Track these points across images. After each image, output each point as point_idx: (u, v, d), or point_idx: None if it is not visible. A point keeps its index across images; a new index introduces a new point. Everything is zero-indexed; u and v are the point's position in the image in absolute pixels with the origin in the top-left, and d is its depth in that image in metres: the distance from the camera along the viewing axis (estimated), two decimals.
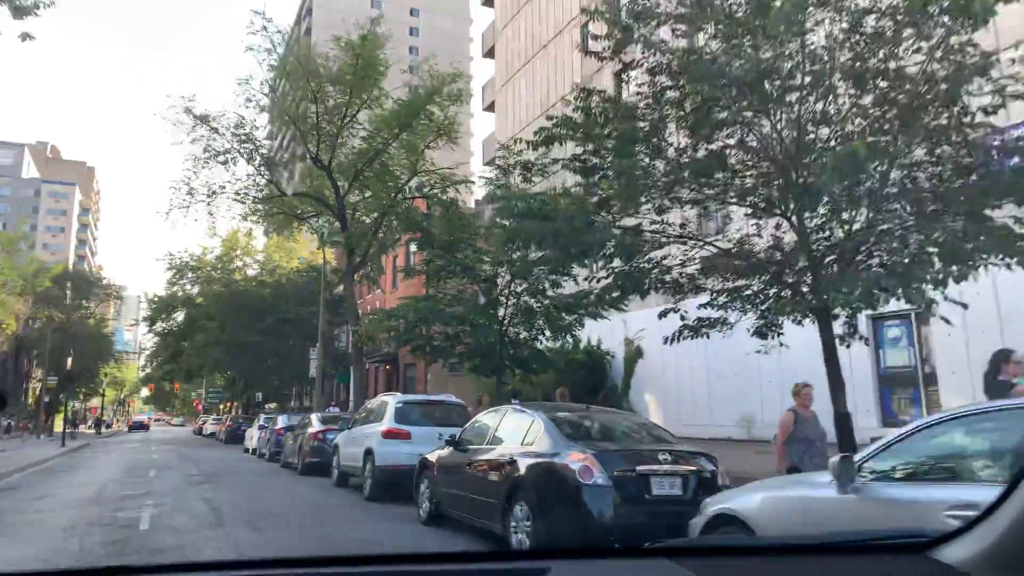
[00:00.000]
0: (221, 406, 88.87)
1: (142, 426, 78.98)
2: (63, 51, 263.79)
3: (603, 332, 22.69)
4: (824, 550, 1.69)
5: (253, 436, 26.37)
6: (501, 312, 17.54)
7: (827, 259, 8.81)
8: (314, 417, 18.61)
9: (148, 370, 55.89)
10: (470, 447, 8.30)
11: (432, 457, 9.21)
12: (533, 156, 16.43)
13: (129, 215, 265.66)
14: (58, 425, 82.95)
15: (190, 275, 47.78)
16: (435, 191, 24.85)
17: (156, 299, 46.65)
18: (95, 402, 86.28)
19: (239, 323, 39.36)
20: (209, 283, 45.90)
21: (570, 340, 19.36)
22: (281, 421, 22.48)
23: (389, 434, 11.60)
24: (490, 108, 34.65)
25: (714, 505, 4.73)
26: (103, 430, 76.72)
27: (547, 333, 17.68)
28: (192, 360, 45.66)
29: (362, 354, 25.77)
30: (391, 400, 12.47)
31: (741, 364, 18.43)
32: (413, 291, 22.11)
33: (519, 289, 17.50)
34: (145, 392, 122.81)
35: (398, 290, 30.69)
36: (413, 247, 28.86)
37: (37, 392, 69.11)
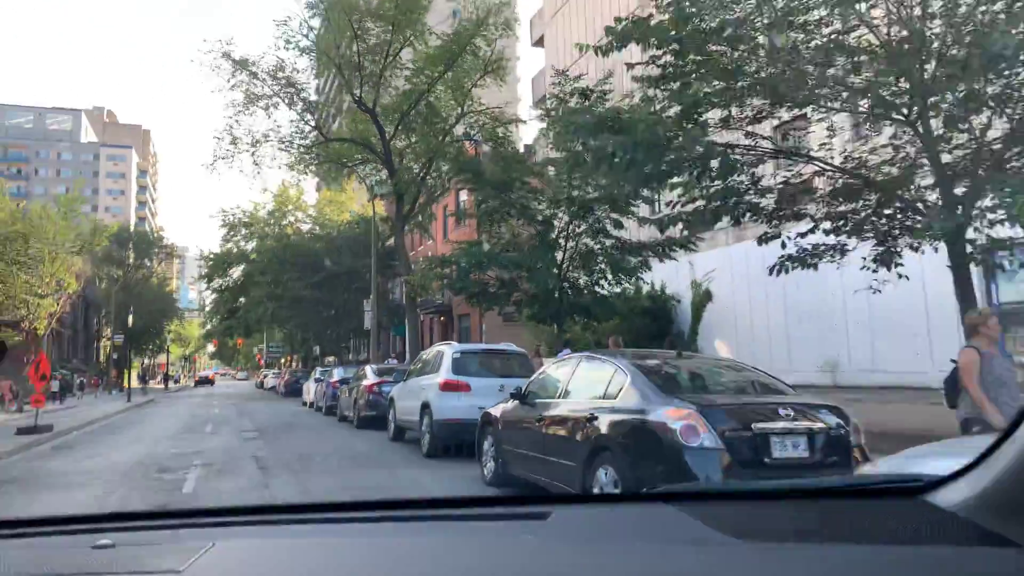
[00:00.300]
0: (282, 360, 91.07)
1: (207, 381, 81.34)
2: (113, 12, 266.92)
3: (667, 276, 21.28)
4: (818, 494, 1.71)
5: (310, 389, 26.13)
6: (559, 256, 16.37)
7: (959, 170, 7.31)
8: (369, 369, 17.95)
9: (209, 326, 56.79)
10: (538, 401, 7.24)
11: (495, 412, 8.21)
12: (592, 82, 15.03)
13: (187, 176, 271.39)
14: (128, 381, 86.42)
15: (243, 231, 47.96)
16: (484, 130, 23.59)
17: (212, 256, 46.99)
18: (163, 358, 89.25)
19: (292, 277, 39.27)
20: (262, 239, 45.96)
21: (631, 285, 18.12)
22: (337, 374, 21.99)
23: (447, 386, 10.68)
24: (539, 43, 32.77)
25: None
26: (171, 385, 79.38)
27: (609, 277, 16.46)
28: (249, 315, 46.06)
29: (415, 305, 25.02)
30: (448, 350, 11.50)
31: (824, 304, 16.89)
32: (466, 239, 21.08)
33: (579, 230, 16.26)
34: (210, 348, 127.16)
35: (450, 240, 29.65)
36: (463, 195, 27.79)
37: (107, 349, 71.60)
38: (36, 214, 31.23)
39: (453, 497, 1.98)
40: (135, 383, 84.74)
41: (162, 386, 73.03)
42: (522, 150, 29.89)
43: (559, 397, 6.89)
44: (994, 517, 1.21)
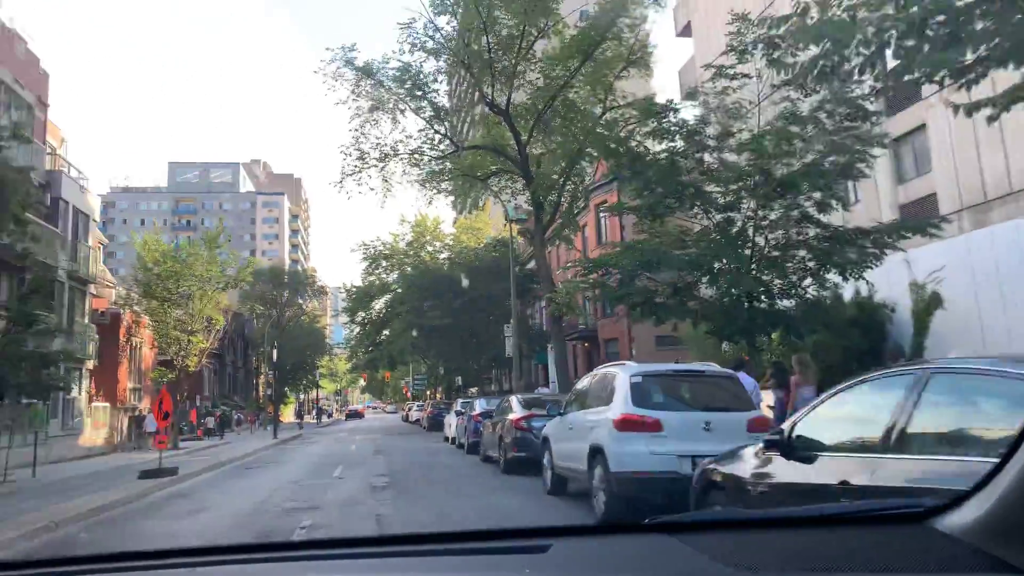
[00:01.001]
0: (426, 392, 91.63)
1: (356, 414, 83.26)
2: (267, 73, 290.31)
3: (876, 279, 17.08)
4: (821, 522, 1.69)
5: (451, 424, 23.86)
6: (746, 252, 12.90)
7: None
8: (514, 400, 15.23)
9: (354, 360, 56.94)
10: (832, 456, 4.02)
11: (731, 469, 5.02)
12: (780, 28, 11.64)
13: (337, 223, 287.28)
14: (284, 416, 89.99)
15: (384, 264, 47.87)
16: (631, 126, 20.58)
17: (354, 289, 47.07)
18: (316, 393, 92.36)
19: (431, 305, 37.99)
20: (402, 269, 45.51)
21: (843, 285, 14.28)
22: (479, 406, 19.49)
23: (627, 424, 7.59)
24: (685, 32, 29.44)
25: None
26: (324, 419, 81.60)
27: (821, 273, 12.80)
28: (391, 347, 45.48)
29: (560, 326, 22.19)
30: (623, 373, 8.37)
31: None
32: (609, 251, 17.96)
33: (772, 217, 12.75)
34: (362, 382, 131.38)
35: (606, 243, 26.63)
36: (604, 207, 24.80)
37: (264, 386, 74.70)
38: (185, 251, 31.76)
39: (451, 531, 2.00)
40: (291, 418, 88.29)
41: (315, 420, 75.10)
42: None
43: (888, 450, 3.61)
44: (996, 542, 1.19)
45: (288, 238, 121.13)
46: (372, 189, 22.37)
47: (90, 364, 27.90)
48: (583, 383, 10.60)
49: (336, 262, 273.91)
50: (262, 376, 73.22)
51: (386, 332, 49.46)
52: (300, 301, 75.78)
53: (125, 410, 31.63)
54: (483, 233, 50.27)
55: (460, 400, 25.81)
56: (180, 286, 30.84)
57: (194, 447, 31.71)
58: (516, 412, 13.89)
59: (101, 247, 34.34)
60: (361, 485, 12.44)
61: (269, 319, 67.45)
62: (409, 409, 54.01)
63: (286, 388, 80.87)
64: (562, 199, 22.50)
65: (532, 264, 31.54)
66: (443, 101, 23.61)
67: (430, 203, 24.26)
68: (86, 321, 27.45)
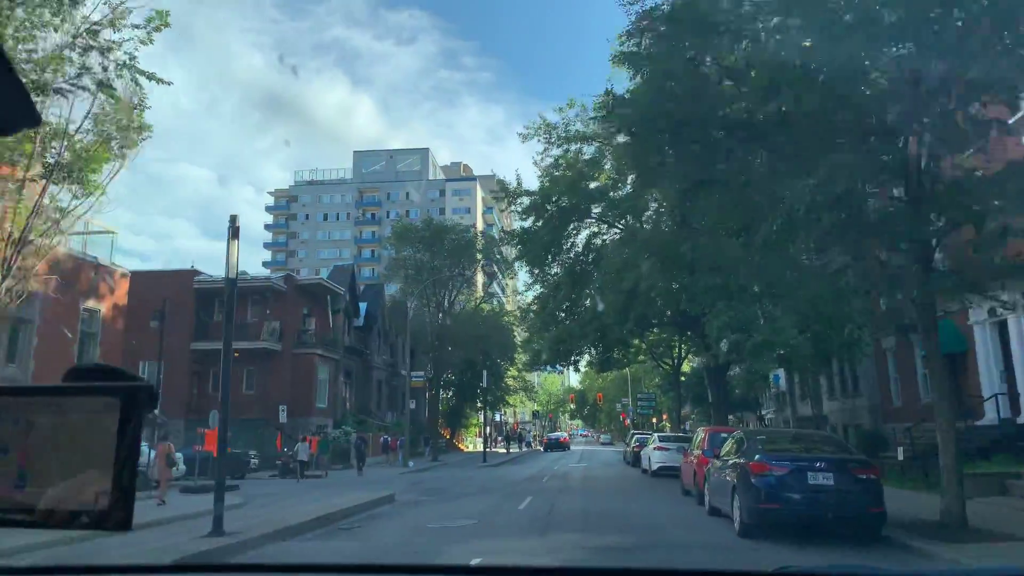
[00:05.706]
0: (653, 418, 65.69)
1: (558, 445, 59.91)
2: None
3: None
4: None
5: None
6: None
7: None
8: None
9: (534, 343, 31.83)
10: None
11: None
12: None
13: None
14: (466, 443, 69.28)
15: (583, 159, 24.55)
16: None
17: (520, 193, 23.58)
18: (503, 414, 71.10)
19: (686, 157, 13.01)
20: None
21: None
22: None
23: None
24: None
25: None
26: (517, 448, 59.98)
27: None
28: (606, 301, 21.21)
29: None
30: None
31: None
32: None
33: None
34: (570, 405, 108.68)
35: None
36: None
37: (442, 401, 54.56)
38: None
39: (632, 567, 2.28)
40: (476, 446, 66.81)
41: (501, 450, 53.25)
42: None
43: None
44: None
45: (483, 231, 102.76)
46: None
47: None
48: None
49: None
50: (417, 383, 51.88)
51: (589, 295, 25.47)
52: (468, 271, 54.34)
53: None
54: None
55: None
56: None
57: None
58: None
59: None
60: None
61: (427, 299, 47.14)
62: (640, 446, 27.63)
63: (474, 404, 60.30)
64: None
65: None
66: None
67: None
68: None
